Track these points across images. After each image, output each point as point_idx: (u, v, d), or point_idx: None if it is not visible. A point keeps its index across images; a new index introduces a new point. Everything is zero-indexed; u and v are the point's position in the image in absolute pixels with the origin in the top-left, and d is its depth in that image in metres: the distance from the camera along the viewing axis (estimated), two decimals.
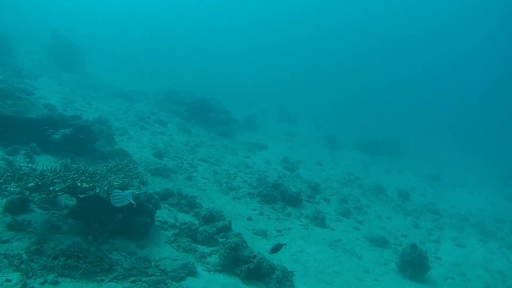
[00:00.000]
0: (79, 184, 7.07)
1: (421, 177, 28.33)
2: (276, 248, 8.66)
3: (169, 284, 6.87)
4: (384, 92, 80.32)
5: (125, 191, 6.90)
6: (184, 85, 40.88)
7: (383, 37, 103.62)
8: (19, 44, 29.26)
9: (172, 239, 8.75)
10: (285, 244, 8.87)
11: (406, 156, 35.71)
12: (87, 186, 7.14)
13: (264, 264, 7.90)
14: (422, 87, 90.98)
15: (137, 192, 7.78)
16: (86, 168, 7.73)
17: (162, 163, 13.97)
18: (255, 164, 18.93)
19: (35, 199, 7.72)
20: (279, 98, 49.96)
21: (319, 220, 12.84)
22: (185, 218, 10.15)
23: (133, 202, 6.86)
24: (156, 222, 9.16)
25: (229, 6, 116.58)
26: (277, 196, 13.86)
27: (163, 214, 9.92)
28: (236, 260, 7.96)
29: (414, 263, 10.64)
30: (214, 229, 9.60)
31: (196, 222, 10.01)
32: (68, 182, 7.08)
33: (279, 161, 20.75)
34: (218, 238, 9.39)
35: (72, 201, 7.82)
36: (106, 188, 7.18)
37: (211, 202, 12.19)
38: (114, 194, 6.74)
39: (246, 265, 7.86)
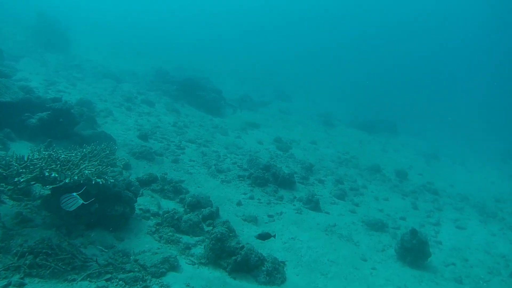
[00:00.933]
0: (47, 174, 6.50)
1: (418, 155, 27.87)
2: (264, 236, 8.17)
3: (148, 281, 6.39)
4: (382, 70, 79.38)
5: (75, 193, 6.28)
6: (177, 64, 40.22)
7: (382, 18, 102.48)
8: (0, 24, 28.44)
9: (154, 229, 8.26)
10: (274, 235, 8.38)
11: (404, 134, 35.19)
12: (57, 175, 6.58)
13: (253, 256, 7.42)
14: (419, 65, 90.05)
15: (111, 181, 7.16)
16: (59, 155, 7.17)
17: (147, 146, 13.42)
18: (246, 144, 18.36)
19: (6, 189, 7.13)
20: (275, 76, 49.40)
21: (313, 204, 12.31)
22: (169, 205, 9.64)
23: (85, 202, 6.26)
24: (137, 211, 8.67)
25: None
26: (269, 178, 13.33)
27: (145, 201, 9.43)
28: (222, 252, 7.49)
29: (414, 250, 10.15)
30: (200, 216, 9.10)
31: (181, 210, 9.51)
32: (35, 172, 6.53)
33: (272, 141, 20.20)
34: (204, 227, 8.90)
35: (47, 190, 7.24)
36: (76, 178, 6.63)
37: (198, 187, 11.66)
38: (64, 198, 6.16)
39: (233, 257, 7.41)
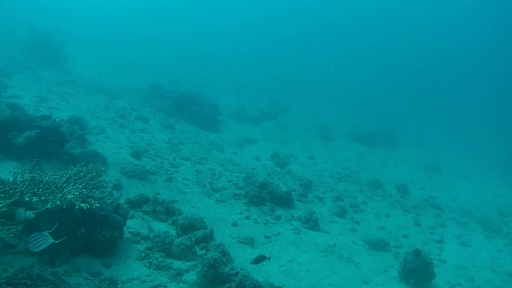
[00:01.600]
0: (27, 199, 6.16)
1: (419, 168, 27.54)
2: (258, 259, 7.80)
3: None
4: (380, 79, 79.38)
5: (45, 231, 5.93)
6: (172, 78, 40.02)
7: (380, 29, 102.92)
8: None
9: (144, 254, 7.88)
10: (269, 258, 8.00)
11: (404, 146, 34.89)
12: (38, 200, 6.24)
13: (248, 283, 7.02)
14: (418, 74, 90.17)
15: (97, 205, 6.80)
16: (42, 178, 6.82)
17: (140, 164, 13.06)
18: (243, 161, 17.99)
19: None
20: (272, 89, 49.25)
21: (312, 223, 11.92)
22: (161, 227, 9.28)
23: (56, 241, 5.89)
24: (127, 234, 8.32)
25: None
26: (266, 196, 12.95)
27: (136, 224, 9.06)
28: (215, 279, 7.12)
29: (417, 271, 9.76)
30: (193, 239, 8.75)
31: (173, 232, 9.13)
32: (15, 197, 6.18)
33: (269, 156, 19.81)
34: (198, 250, 8.52)
35: (31, 214, 6.89)
36: (58, 203, 6.28)
37: (192, 207, 11.29)
38: (32, 237, 5.81)
39: (227, 285, 7.00)
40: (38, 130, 11.31)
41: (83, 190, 6.82)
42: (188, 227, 9.19)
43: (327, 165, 21.76)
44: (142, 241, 8.41)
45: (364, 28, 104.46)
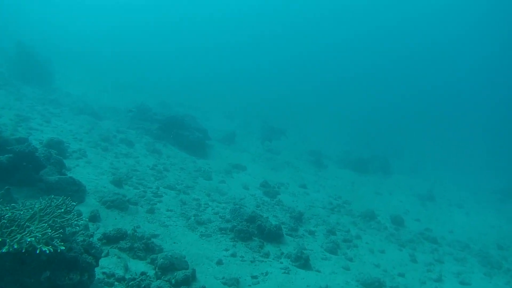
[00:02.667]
0: None
1: (414, 197, 27.01)
2: None
3: None
4: (373, 104, 79.42)
5: None
6: (162, 99, 39.56)
7: (374, 53, 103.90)
8: None
9: None
10: None
11: (397, 173, 34.52)
12: None
13: None
14: (412, 101, 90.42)
15: (62, 248, 6.10)
16: (3, 213, 6.15)
17: (120, 193, 12.36)
18: (231, 190, 17.31)
19: None
20: (264, 112, 48.98)
21: (302, 261, 11.21)
22: (138, 266, 8.56)
23: None
24: (99, 275, 7.61)
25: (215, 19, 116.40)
26: (254, 231, 12.25)
27: (110, 263, 8.34)
28: None
29: None
30: (172, 281, 8.06)
31: (151, 272, 8.42)
32: None
33: (259, 185, 19.16)
34: None
35: None
36: (16, 247, 5.59)
37: (174, 242, 10.56)
38: None
39: None
40: (11, 155, 10.61)
41: (48, 230, 6.13)
42: (168, 267, 8.49)
43: (319, 194, 21.14)
44: (116, 283, 7.71)
45: (357, 53, 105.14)
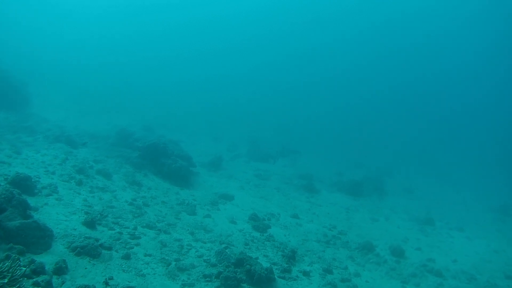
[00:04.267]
0: None
1: (411, 221, 25.97)
2: None
3: None
4: (363, 121, 78.93)
5: None
6: (146, 122, 38.60)
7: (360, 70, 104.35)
8: None
9: None
10: None
11: (391, 193, 33.52)
12: None
13: None
14: (403, 118, 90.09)
15: None
16: None
17: (93, 237, 11.24)
18: (217, 226, 16.11)
19: None
20: (251, 133, 48.18)
21: None
22: None
23: None
24: None
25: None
26: (242, 277, 11.12)
27: None
28: None
29: None
30: None
31: None
32: None
33: (247, 218, 17.96)
34: None
35: None
36: None
37: None
38: None
39: None
40: None
41: None
42: None
43: (312, 224, 20.01)
44: None
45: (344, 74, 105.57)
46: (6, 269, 5.91)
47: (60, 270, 9.28)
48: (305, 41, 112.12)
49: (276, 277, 11.97)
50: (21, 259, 7.53)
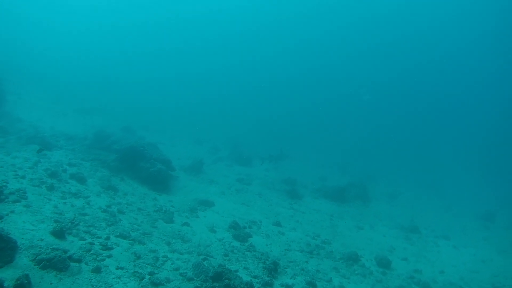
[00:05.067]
0: None
1: (397, 229, 25.56)
2: None
3: None
4: (347, 126, 78.80)
5: None
6: (126, 123, 37.79)
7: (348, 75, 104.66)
8: None
9: None
10: None
11: (376, 199, 33.24)
12: None
13: None
14: (387, 122, 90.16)
15: None
16: None
17: (61, 248, 10.48)
18: (195, 235, 15.40)
19: None
20: (234, 134, 47.79)
21: None
22: None
23: None
24: None
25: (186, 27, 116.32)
26: None
27: None
28: None
29: None
30: None
31: None
32: None
33: (227, 226, 17.28)
34: None
35: None
36: None
37: None
38: None
39: None
40: None
41: None
42: None
43: (295, 233, 19.42)
44: None
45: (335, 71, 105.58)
46: None
47: (22, 286, 8.57)
48: (290, 40, 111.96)
49: None
50: None
